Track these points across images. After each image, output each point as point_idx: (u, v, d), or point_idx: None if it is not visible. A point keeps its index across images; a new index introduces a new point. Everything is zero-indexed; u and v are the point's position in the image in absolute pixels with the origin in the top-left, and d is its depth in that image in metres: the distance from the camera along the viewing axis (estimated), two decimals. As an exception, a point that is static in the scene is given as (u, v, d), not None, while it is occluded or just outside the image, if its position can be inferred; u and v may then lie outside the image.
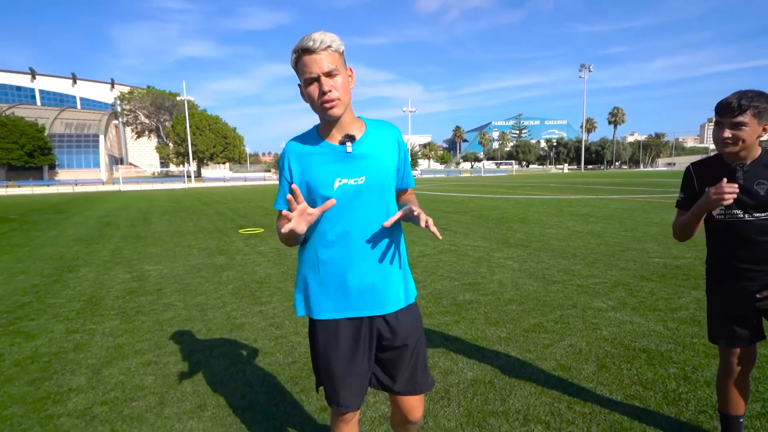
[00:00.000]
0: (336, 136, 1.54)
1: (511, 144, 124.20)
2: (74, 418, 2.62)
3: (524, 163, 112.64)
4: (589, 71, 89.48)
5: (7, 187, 47.50)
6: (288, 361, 3.28)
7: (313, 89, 1.45)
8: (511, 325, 3.87)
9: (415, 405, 1.72)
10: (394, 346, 1.64)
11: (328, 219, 1.54)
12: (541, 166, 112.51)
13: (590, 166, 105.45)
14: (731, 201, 1.75)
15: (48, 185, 49.72)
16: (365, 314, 1.60)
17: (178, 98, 66.60)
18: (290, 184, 1.54)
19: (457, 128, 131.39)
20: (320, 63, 1.41)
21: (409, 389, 1.68)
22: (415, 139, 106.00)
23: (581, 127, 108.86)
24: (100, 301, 4.98)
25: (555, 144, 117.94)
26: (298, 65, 1.45)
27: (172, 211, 16.51)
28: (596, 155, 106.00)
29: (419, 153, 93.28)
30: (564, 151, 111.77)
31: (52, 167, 56.86)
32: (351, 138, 1.52)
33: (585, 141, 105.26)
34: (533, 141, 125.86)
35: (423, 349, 1.71)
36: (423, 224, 1.41)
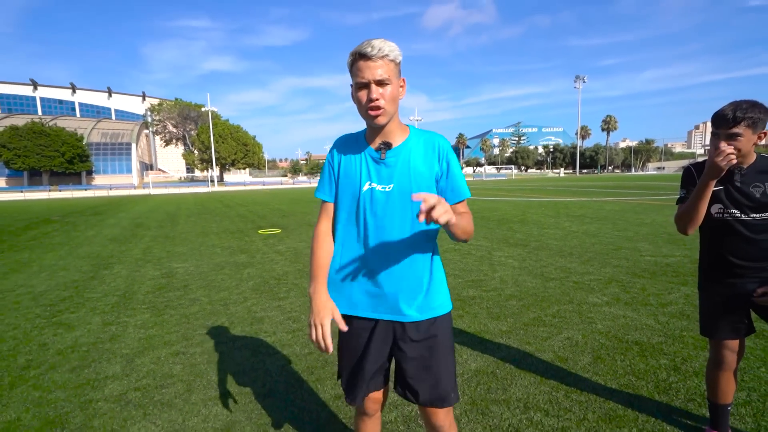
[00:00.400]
0: (377, 142, 1.49)
1: (511, 150, 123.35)
2: (110, 402, 2.65)
3: (523, 167, 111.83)
4: (584, 82, 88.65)
5: (50, 191, 48.28)
6: (305, 353, 3.30)
7: (363, 94, 1.38)
8: (512, 319, 3.85)
9: (437, 416, 1.54)
10: (412, 356, 1.51)
11: (353, 219, 1.49)
12: (538, 171, 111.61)
13: (585, 171, 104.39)
14: (734, 159, 1.69)
15: (86, 189, 50.42)
16: (376, 317, 1.52)
17: (202, 109, 67.33)
18: (334, 174, 1.54)
19: (460, 135, 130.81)
20: (373, 70, 1.34)
21: (430, 401, 1.52)
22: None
23: (576, 133, 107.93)
24: (133, 296, 5.04)
25: (552, 150, 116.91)
26: (353, 68, 1.38)
27: (198, 213, 16.65)
28: (590, 160, 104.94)
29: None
30: (560, 157, 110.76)
31: (90, 173, 57.64)
32: (387, 145, 1.46)
33: (580, 147, 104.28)
34: (531, 147, 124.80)
35: (447, 364, 1.53)
36: (423, 210, 1.17)
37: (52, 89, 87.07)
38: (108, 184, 54.65)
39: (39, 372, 3.08)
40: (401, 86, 1.44)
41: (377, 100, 1.36)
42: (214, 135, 60.08)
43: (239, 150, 64.08)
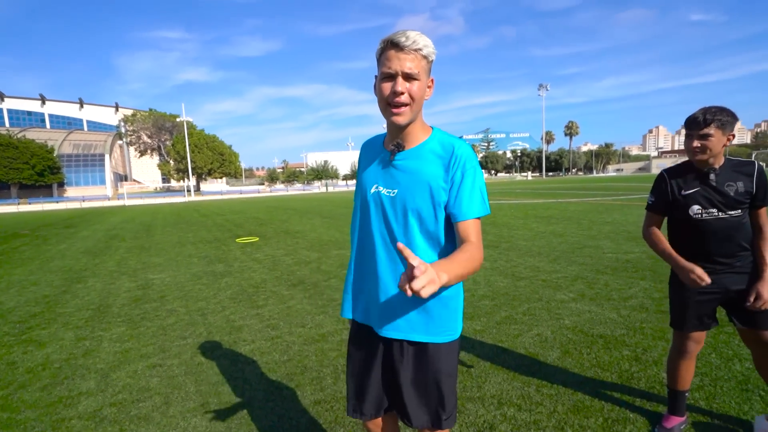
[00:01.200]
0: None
1: (481, 155, 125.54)
2: (84, 420, 2.53)
3: (493, 171, 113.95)
4: (547, 90, 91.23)
5: (19, 204, 45.87)
6: (283, 360, 3.24)
7: (387, 86, 1.23)
8: (485, 319, 3.89)
9: None
10: (407, 379, 1.37)
11: (359, 223, 1.42)
12: (507, 174, 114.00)
13: (551, 173, 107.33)
14: (704, 283, 1.84)
15: (57, 202, 48.17)
16: (380, 331, 1.38)
17: (177, 119, 65.59)
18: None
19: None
20: (403, 62, 1.20)
21: (422, 424, 1.39)
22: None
23: (542, 138, 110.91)
24: (108, 309, 4.84)
25: (519, 154, 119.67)
26: (382, 57, 1.23)
27: (174, 223, 16.18)
28: (555, 163, 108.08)
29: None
30: (527, 161, 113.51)
31: (61, 185, 55.22)
32: (398, 146, 1.32)
33: (545, 151, 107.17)
34: (500, 152, 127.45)
35: (447, 390, 1.37)
36: (405, 288, 0.93)
37: (19, 101, 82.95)
38: (81, 195, 52.42)
39: (7, 392, 2.91)
40: (429, 86, 1.30)
41: (402, 94, 1.21)
42: (189, 145, 58.61)
43: (215, 159, 62.71)
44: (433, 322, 1.34)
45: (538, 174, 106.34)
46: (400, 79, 1.21)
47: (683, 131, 1.98)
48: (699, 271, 1.84)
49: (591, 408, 2.39)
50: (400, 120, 1.25)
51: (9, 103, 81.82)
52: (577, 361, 2.95)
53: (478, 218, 1.28)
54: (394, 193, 1.32)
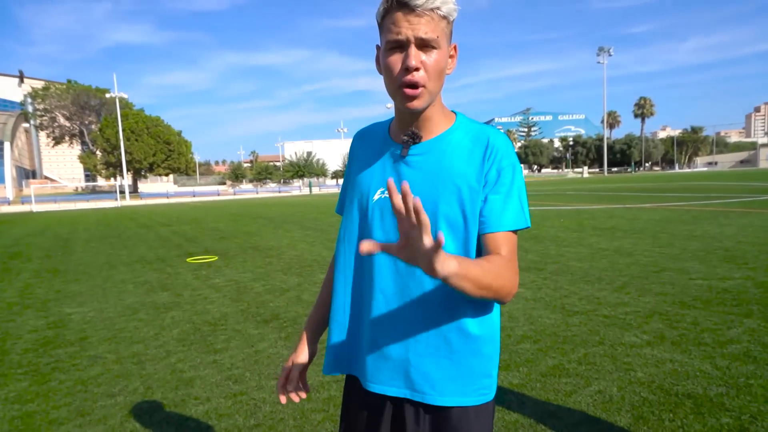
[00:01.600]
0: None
1: (519, 144, 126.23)
2: None
3: (535, 166, 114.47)
4: (609, 55, 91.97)
5: None
6: (250, 425, 3.22)
7: (395, 60, 1.20)
8: (526, 368, 3.87)
9: None
10: None
11: (355, 239, 1.39)
12: (555, 170, 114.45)
13: (615, 169, 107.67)
14: None
15: (-62, 207, 48.56)
16: (382, 390, 1.34)
17: (107, 95, 66.33)
18: (347, 180, 1.48)
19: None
20: (416, 25, 1.16)
21: None
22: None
23: (602, 122, 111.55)
24: (3, 356, 4.82)
25: (571, 143, 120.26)
26: (386, 20, 1.21)
27: (101, 237, 16.24)
28: (621, 155, 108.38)
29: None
30: (582, 152, 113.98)
31: (-57, 184, 55.71)
32: (413, 137, 1.29)
33: (607, 139, 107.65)
34: (545, 140, 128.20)
35: None
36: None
37: None
38: (-28, 198, 52.82)
39: None
40: (452, 55, 1.27)
41: (417, 70, 1.18)
42: (124, 130, 59.16)
43: (159, 150, 63.30)
44: (460, 376, 1.29)
45: (597, 169, 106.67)
46: (413, 49, 1.18)
47: None
48: None
49: (676, 496, 2.35)
50: (418, 105, 1.23)
51: None
52: (655, 431, 2.91)
53: (515, 232, 1.26)
54: None
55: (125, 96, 61.78)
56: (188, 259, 10.36)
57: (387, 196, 1.30)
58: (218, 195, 61.41)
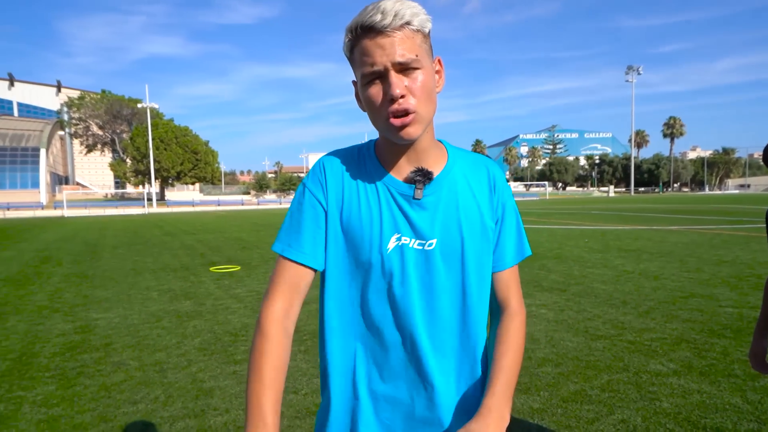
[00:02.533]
0: (404, 169, 1.19)
1: (544, 161, 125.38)
2: None
3: (560, 184, 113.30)
4: (638, 74, 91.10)
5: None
6: (267, 439, 3.22)
7: (376, 92, 1.08)
8: (546, 393, 3.82)
9: None
10: None
11: (369, 297, 1.19)
12: (581, 189, 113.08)
13: (642, 189, 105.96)
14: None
15: (-26, 210, 50.07)
16: None
17: (139, 105, 67.99)
18: (322, 220, 1.20)
19: (477, 142, 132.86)
20: (390, 49, 1.04)
21: None
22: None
23: (630, 141, 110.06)
24: (32, 359, 4.94)
25: (598, 162, 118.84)
26: (355, 52, 1.10)
27: (128, 243, 16.56)
28: (649, 175, 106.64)
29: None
30: (609, 171, 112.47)
31: (-19, 188, 57.47)
32: (426, 176, 1.17)
33: (635, 158, 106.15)
34: (571, 158, 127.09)
35: None
36: None
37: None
38: (5, 202, 54.33)
39: None
40: (438, 71, 1.16)
41: (403, 97, 1.06)
42: (153, 139, 60.55)
43: (187, 159, 64.50)
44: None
45: (624, 189, 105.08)
46: (394, 76, 1.06)
47: None
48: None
49: None
50: (412, 133, 1.10)
51: None
52: (680, 463, 2.84)
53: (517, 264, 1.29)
54: (431, 245, 1.17)
55: (156, 106, 63.23)
56: (211, 268, 10.49)
57: (404, 243, 1.17)
58: (242, 204, 62.17)
